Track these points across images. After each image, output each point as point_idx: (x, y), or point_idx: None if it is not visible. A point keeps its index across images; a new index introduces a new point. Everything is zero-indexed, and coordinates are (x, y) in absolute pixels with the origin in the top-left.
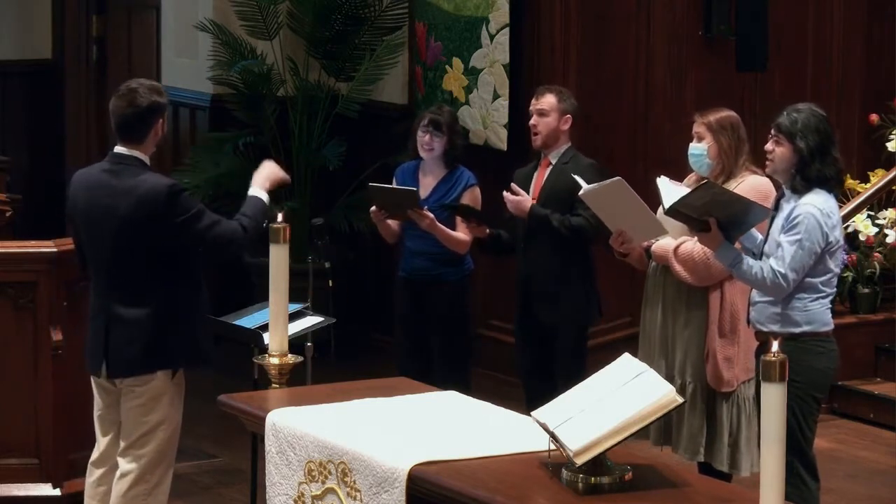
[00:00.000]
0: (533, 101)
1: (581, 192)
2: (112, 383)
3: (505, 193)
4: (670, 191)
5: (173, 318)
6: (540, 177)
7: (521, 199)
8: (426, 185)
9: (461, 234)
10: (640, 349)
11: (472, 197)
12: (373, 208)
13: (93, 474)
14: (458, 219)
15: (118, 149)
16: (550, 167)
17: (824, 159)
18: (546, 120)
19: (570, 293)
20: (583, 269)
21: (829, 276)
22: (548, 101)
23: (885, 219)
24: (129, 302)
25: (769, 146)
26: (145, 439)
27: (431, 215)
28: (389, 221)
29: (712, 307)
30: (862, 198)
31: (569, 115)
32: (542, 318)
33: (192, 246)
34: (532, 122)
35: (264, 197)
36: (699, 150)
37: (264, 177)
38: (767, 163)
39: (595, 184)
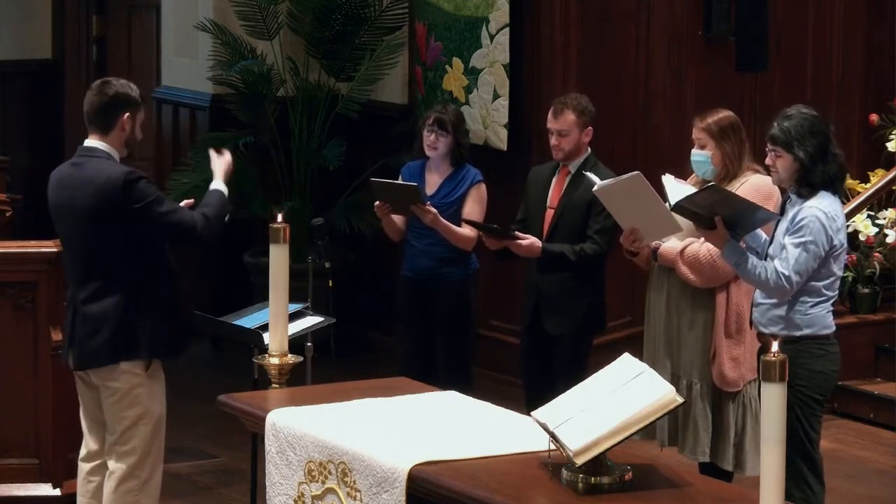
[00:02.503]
0: (550, 118)
1: (595, 187)
2: (88, 377)
3: (510, 242)
4: (676, 189)
5: (141, 309)
6: (559, 185)
7: (529, 244)
8: (432, 183)
9: (465, 229)
10: (645, 347)
11: (478, 194)
12: (377, 203)
13: (82, 471)
14: (465, 215)
15: (87, 142)
16: (570, 175)
17: (826, 159)
18: (568, 138)
19: (577, 305)
20: (592, 283)
21: (832, 279)
22: (568, 119)
23: (885, 219)
24: (97, 293)
25: (769, 161)
26: (128, 435)
27: (434, 210)
28: (395, 218)
29: (718, 307)
30: (862, 198)
31: (590, 128)
32: (549, 328)
33: (152, 234)
34: (553, 142)
35: (223, 189)
36: (702, 156)
37: (222, 170)
38: (772, 174)
39: (611, 179)
